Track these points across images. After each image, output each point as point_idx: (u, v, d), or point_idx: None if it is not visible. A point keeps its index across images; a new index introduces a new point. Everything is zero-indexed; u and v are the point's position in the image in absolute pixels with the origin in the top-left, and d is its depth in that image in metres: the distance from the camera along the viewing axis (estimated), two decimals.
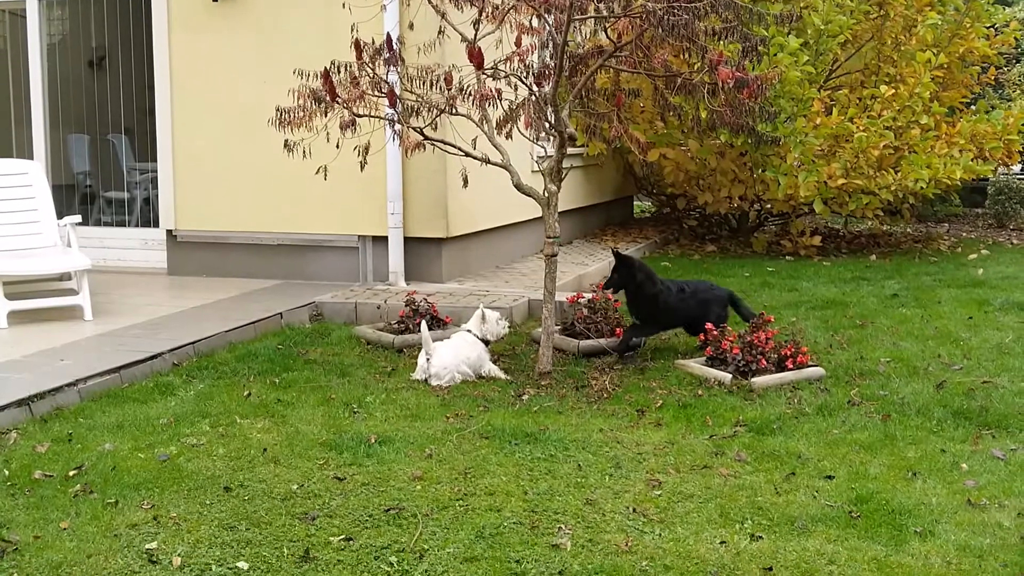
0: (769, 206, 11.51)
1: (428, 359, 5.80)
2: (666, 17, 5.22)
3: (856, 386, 5.73)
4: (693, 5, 5.34)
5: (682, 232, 12.68)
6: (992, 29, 11.75)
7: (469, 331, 6.05)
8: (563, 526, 3.84)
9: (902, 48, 11.00)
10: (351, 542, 3.70)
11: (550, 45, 5.88)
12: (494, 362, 6.11)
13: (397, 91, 5.97)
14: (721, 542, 3.73)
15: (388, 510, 3.98)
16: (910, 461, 4.56)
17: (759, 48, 6.36)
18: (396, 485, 4.24)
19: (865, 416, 5.20)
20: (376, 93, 5.90)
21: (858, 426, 5.05)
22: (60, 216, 7.65)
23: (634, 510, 4.01)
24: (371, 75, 5.89)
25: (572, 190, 10.89)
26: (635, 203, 15.22)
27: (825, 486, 4.28)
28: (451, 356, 5.86)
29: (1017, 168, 14.61)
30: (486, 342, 6.07)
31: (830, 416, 5.21)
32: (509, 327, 6.40)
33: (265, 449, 4.68)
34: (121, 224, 10.01)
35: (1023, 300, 8.09)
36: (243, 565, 3.52)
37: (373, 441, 4.76)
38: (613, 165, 12.47)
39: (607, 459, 4.59)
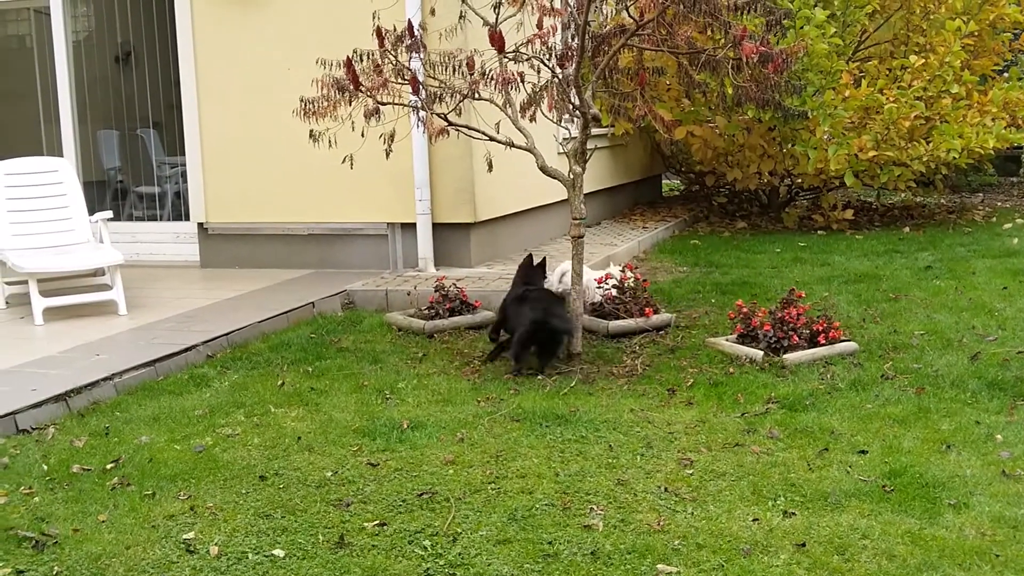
0: (799, 181, 11.40)
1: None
2: None
3: (889, 360, 5.69)
4: None
5: (712, 209, 12.60)
6: None
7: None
8: (595, 507, 3.85)
9: (931, 17, 10.83)
10: (385, 527, 3.73)
11: (571, 26, 5.85)
12: None
13: (420, 77, 5.97)
14: (754, 519, 3.73)
15: (421, 495, 4.01)
16: (944, 434, 4.53)
17: (783, 21, 6.31)
18: (429, 470, 4.28)
19: (899, 390, 5.17)
20: (399, 80, 5.91)
21: (892, 400, 5.02)
22: (92, 212, 7.74)
23: (666, 489, 4.01)
24: (393, 62, 5.89)
25: (599, 171, 10.85)
26: (664, 181, 15.15)
27: (858, 461, 4.26)
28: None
29: None
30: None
31: (863, 391, 5.18)
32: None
33: (299, 437, 4.72)
34: (153, 218, 10.11)
35: None
36: (279, 552, 3.56)
37: (405, 426, 4.79)
38: (640, 144, 12.42)
39: (638, 439, 4.59)
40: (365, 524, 3.76)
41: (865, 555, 3.42)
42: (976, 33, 10.75)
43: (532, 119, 6.03)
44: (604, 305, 6.62)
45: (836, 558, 3.40)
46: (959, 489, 3.92)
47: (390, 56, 5.89)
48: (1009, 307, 6.78)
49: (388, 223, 8.43)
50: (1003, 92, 10.50)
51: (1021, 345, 5.86)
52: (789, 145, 10.48)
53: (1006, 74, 11.57)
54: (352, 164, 6.04)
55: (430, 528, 3.71)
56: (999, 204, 13.01)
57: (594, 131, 7.56)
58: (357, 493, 4.06)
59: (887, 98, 10.00)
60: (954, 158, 10.16)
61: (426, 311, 6.79)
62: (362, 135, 5.81)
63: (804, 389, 5.22)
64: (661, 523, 3.70)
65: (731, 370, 5.60)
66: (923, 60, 10.26)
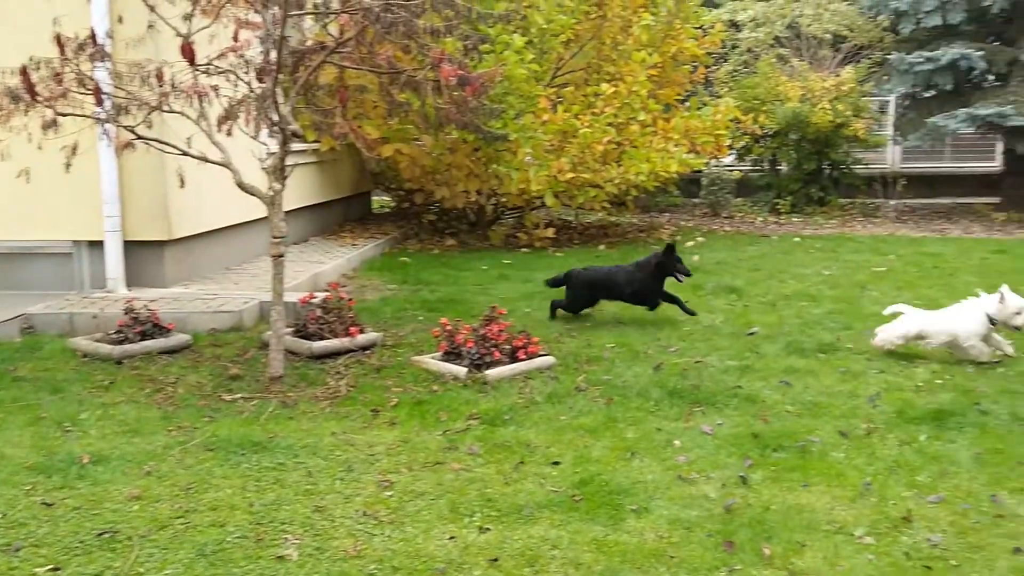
0: (504, 200, 11.78)
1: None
2: (383, 14, 5.19)
3: (584, 372, 5.96)
4: (411, 3, 5.35)
5: (421, 227, 12.75)
6: (700, 30, 12.55)
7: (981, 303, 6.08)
8: (290, 536, 3.75)
9: (620, 48, 11.55)
10: (59, 572, 3.45)
11: (269, 40, 5.71)
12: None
13: (105, 88, 5.62)
14: (450, 537, 3.76)
15: (101, 534, 3.74)
16: (629, 442, 4.79)
17: (480, 46, 6.50)
18: (111, 507, 4.00)
19: (591, 401, 5.42)
20: (82, 90, 5.53)
21: (584, 411, 5.25)
22: None
23: (364, 513, 3.98)
24: (76, 71, 5.52)
25: (306, 187, 10.70)
26: (375, 198, 15.17)
27: (552, 472, 4.42)
28: (903, 325, 6.28)
29: (728, 160, 15.69)
30: (993, 322, 6.04)
31: (559, 403, 5.39)
32: None
33: None
34: None
35: (732, 283, 8.73)
36: None
37: (86, 461, 4.47)
38: (349, 161, 12.37)
39: (338, 463, 4.53)
40: (36, 569, 3.46)
41: (554, 565, 3.54)
42: (660, 64, 11.58)
43: (229, 133, 5.83)
44: (308, 326, 6.50)
45: (527, 570, 3.50)
46: (641, 495, 4.15)
47: (72, 65, 5.51)
48: (689, 320, 7.30)
49: (74, 241, 7.86)
50: (684, 120, 11.37)
51: (698, 355, 6.33)
52: (493, 165, 10.80)
53: (687, 103, 12.54)
54: (28, 178, 5.58)
55: (110, 570, 3.47)
56: (683, 223, 14.05)
57: (300, 147, 7.45)
58: (29, 536, 3.73)
59: (582, 123, 10.55)
60: (642, 180, 10.87)
61: (115, 335, 6.37)
62: (39, 147, 5.38)
63: (504, 404, 5.35)
64: (358, 548, 3.66)
65: (435, 388, 5.66)
66: (614, 88, 10.92)
